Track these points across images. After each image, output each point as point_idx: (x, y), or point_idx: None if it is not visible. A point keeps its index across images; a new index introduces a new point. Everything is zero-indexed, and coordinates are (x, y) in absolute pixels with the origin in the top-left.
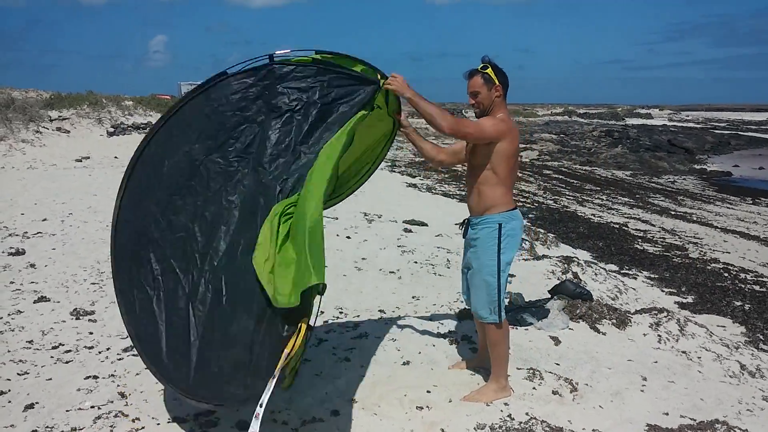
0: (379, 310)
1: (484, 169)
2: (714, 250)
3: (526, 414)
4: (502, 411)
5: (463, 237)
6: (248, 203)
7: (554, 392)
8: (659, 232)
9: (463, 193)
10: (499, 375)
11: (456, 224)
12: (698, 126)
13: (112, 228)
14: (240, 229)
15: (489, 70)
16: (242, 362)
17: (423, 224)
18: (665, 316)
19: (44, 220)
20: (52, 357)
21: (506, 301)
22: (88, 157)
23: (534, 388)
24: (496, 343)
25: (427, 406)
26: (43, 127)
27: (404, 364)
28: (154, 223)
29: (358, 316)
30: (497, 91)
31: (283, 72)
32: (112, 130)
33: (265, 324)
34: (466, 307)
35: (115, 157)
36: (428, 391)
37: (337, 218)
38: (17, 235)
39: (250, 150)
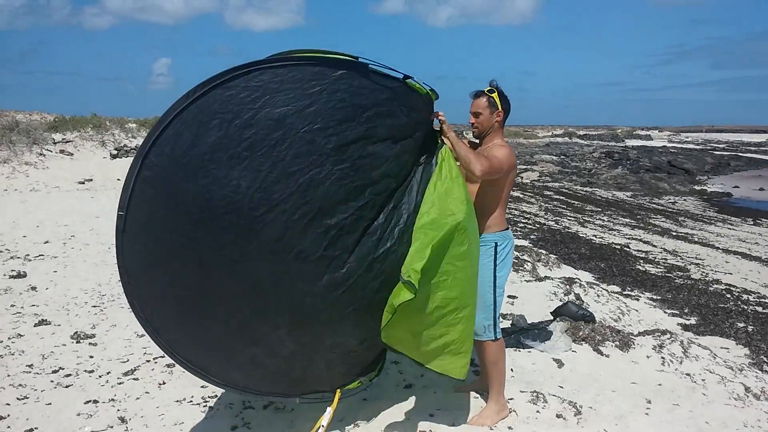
0: None
1: (484, 192)
2: (716, 271)
3: None
4: None
5: None
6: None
7: (558, 416)
8: (661, 252)
9: None
10: (498, 395)
11: None
12: (698, 147)
13: None
14: None
15: (495, 95)
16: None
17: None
18: (668, 338)
19: (46, 242)
20: (52, 381)
21: (509, 323)
22: (91, 180)
23: (538, 411)
24: (493, 362)
25: (431, 430)
26: (47, 149)
27: (406, 387)
28: None
29: None
30: (498, 116)
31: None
32: (115, 152)
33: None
34: None
35: (118, 180)
36: (431, 415)
37: None
38: (19, 257)
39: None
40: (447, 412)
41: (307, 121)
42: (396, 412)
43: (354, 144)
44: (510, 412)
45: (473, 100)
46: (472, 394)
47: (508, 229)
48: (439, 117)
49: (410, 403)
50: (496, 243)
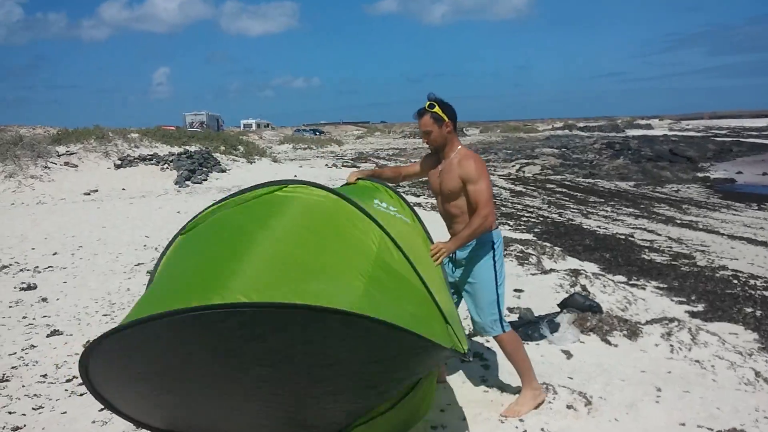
0: None
1: (465, 201)
2: (722, 258)
3: (542, 429)
4: (517, 427)
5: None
6: None
7: (569, 406)
8: (665, 241)
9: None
10: (528, 382)
11: None
12: (699, 134)
13: None
14: None
15: (436, 108)
16: None
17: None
18: (676, 326)
19: (55, 254)
20: (66, 390)
21: (516, 316)
22: (96, 190)
23: (548, 402)
24: (511, 352)
25: (442, 425)
26: (51, 162)
27: None
28: None
29: None
30: (447, 127)
31: None
32: (119, 162)
33: None
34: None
35: (123, 189)
36: (442, 410)
37: None
38: (28, 270)
39: None
40: (457, 407)
41: None
42: None
43: None
44: (546, 395)
45: (418, 120)
46: (482, 388)
47: (497, 227)
48: (439, 259)
49: None
50: (492, 242)
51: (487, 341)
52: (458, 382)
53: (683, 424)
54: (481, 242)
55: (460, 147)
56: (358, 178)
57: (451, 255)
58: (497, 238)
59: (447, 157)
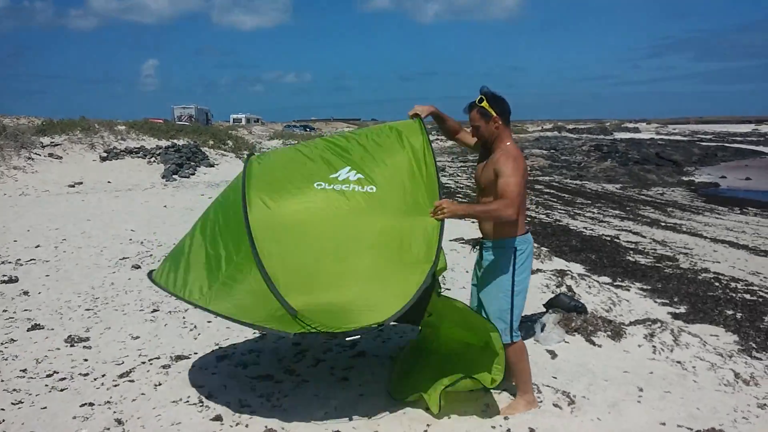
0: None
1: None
2: (704, 260)
3: (526, 428)
4: (501, 425)
5: (477, 256)
6: None
7: (553, 405)
8: (650, 243)
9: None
10: (525, 392)
11: (461, 242)
12: (685, 139)
13: None
14: None
15: (484, 103)
16: None
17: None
18: (659, 327)
19: (37, 246)
20: (46, 385)
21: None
22: (81, 183)
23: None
24: (513, 362)
25: (427, 423)
26: (36, 153)
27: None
28: None
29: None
30: (496, 122)
31: None
32: (105, 154)
33: None
34: None
35: (108, 182)
36: (427, 408)
37: None
38: (10, 262)
39: None
40: (448, 405)
41: None
42: (393, 407)
43: None
44: (539, 404)
45: (468, 114)
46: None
47: (527, 233)
48: (438, 216)
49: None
50: (515, 248)
51: None
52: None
53: (663, 424)
54: (504, 247)
55: (509, 143)
56: (415, 115)
57: (477, 257)
58: (522, 246)
59: (494, 151)
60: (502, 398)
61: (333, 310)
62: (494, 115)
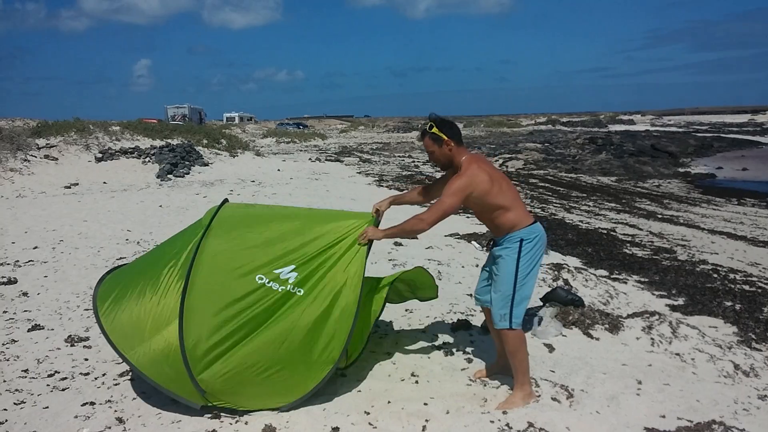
0: (373, 325)
1: (484, 211)
2: (702, 252)
3: (525, 422)
4: (500, 420)
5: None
6: None
7: (552, 399)
8: (647, 235)
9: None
10: (522, 383)
11: (455, 237)
12: (680, 130)
13: None
14: None
15: (434, 129)
16: None
17: (413, 237)
18: (657, 319)
19: (35, 248)
20: (48, 385)
21: None
22: (77, 184)
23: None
24: (512, 351)
25: (426, 419)
26: (31, 155)
27: (400, 377)
28: None
29: None
30: (448, 145)
31: None
32: (100, 155)
33: None
34: (476, 307)
35: (104, 183)
36: (425, 404)
37: None
38: (8, 264)
39: None
40: (441, 400)
41: None
42: (391, 403)
43: None
44: (537, 397)
45: (422, 142)
46: (465, 381)
47: (534, 223)
48: (361, 242)
49: (404, 392)
50: (521, 239)
51: (471, 335)
52: (442, 375)
53: (663, 416)
54: (510, 240)
55: (464, 159)
56: (377, 211)
57: (489, 255)
58: (528, 236)
59: (456, 171)
60: (500, 392)
61: (240, 392)
62: (445, 138)
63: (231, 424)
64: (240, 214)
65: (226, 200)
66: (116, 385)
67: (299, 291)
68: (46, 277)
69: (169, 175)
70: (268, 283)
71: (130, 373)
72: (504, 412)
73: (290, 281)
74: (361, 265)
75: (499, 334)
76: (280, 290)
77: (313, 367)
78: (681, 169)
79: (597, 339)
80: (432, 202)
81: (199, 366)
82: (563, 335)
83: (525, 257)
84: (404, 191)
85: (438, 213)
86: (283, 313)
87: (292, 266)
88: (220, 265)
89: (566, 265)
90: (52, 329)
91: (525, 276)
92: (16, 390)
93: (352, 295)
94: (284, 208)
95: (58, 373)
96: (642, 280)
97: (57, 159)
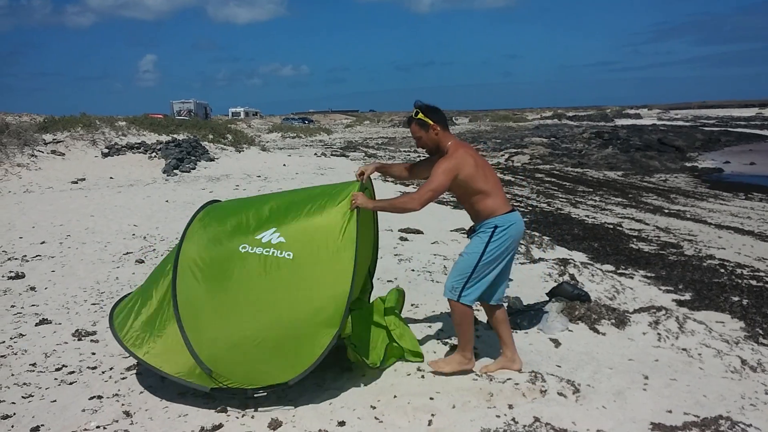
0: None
1: (466, 194)
2: (709, 247)
3: (531, 417)
4: (506, 414)
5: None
6: None
7: (558, 394)
8: (653, 230)
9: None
10: (463, 350)
11: (461, 232)
12: (687, 124)
13: None
14: None
15: (420, 115)
16: None
17: (418, 232)
18: (664, 314)
19: (42, 242)
20: (55, 379)
21: (504, 305)
22: (84, 179)
23: (537, 390)
24: (456, 323)
25: (432, 413)
26: (38, 150)
27: (406, 372)
28: None
29: None
30: (434, 130)
31: None
32: (106, 150)
33: None
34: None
35: (111, 178)
36: (431, 398)
37: None
38: (16, 258)
39: None
40: (447, 395)
41: None
42: (397, 397)
43: None
44: (472, 367)
45: (409, 129)
46: (471, 376)
47: (511, 212)
48: (351, 206)
49: (410, 387)
50: (496, 226)
51: (476, 330)
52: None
53: (670, 412)
54: (485, 225)
55: (450, 143)
56: (361, 174)
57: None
58: (503, 224)
59: (443, 155)
60: (506, 387)
61: (246, 368)
62: (431, 123)
63: (237, 417)
64: (222, 207)
65: (211, 201)
66: (123, 378)
67: (288, 255)
68: (53, 271)
69: (175, 170)
70: (252, 249)
71: (138, 367)
72: (510, 407)
73: (273, 242)
74: (353, 224)
75: (450, 305)
76: (266, 254)
77: (316, 333)
78: (688, 164)
79: (603, 334)
80: (416, 181)
81: (202, 346)
82: (569, 330)
83: (494, 242)
84: (391, 161)
85: (428, 192)
86: (274, 278)
87: (273, 228)
88: (205, 249)
89: (572, 260)
90: (60, 323)
91: (489, 261)
92: (24, 384)
93: (346, 255)
94: (267, 195)
95: (66, 367)
96: (648, 275)
97: (64, 154)
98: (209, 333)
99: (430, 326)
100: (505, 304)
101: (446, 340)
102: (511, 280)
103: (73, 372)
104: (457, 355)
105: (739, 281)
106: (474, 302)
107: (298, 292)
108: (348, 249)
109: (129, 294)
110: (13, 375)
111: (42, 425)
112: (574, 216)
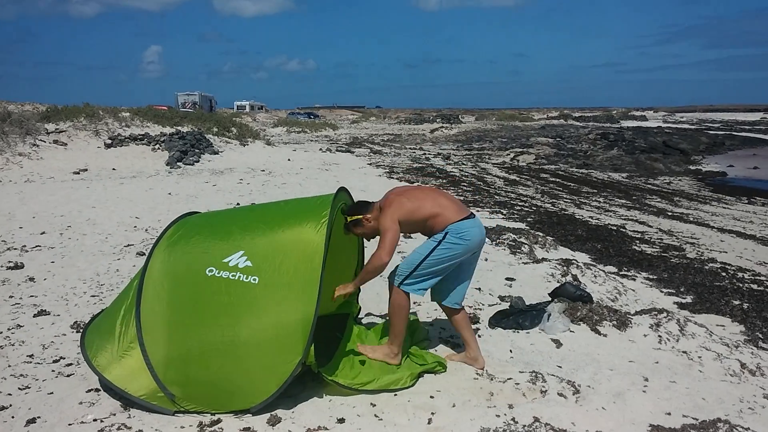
0: (380, 317)
1: (419, 226)
2: (711, 250)
3: (531, 417)
4: (506, 414)
5: None
6: None
7: (558, 394)
8: (656, 233)
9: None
10: (392, 342)
11: None
12: (693, 127)
13: None
14: None
15: (351, 218)
16: None
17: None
18: (665, 317)
19: (43, 233)
20: (53, 371)
21: (507, 305)
22: (86, 170)
23: (537, 390)
24: (392, 312)
25: (432, 412)
26: (40, 140)
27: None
28: None
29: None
30: (367, 219)
31: None
32: (109, 141)
33: None
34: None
35: (113, 169)
36: (431, 396)
37: None
38: (16, 248)
39: None
40: (447, 394)
41: None
42: (397, 395)
43: None
44: (398, 363)
45: (350, 234)
46: (472, 375)
47: (464, 219)
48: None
49: (412, 387)
50: (446, 232)
51: (477, 329)
52: (448, 369)
53: (669, 414)
54: (440, 232)
55: (380, 208)
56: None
57: None
58: (455, 231)
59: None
60: (507, 387)
61: (208, 391)
62: (362, 216)
63: (236, 413)
64: (193, 223)
65: (187, 214)
66: None
67: (254, 279)
68: (53, 262)
69: (178, 163)
70: (219, 273)
71: None
72: (510, 407)
73: (240, 266)
74: (322, 249)
75: (391, 290)
76: (231, 278)
77: (280, 360)
78: (692, 167)
79: (605, 335)
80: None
81: (165, 369)
82: (571, 331)
83: (444, 246)
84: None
85: (388, 242)
86: (240, 303)
87: (241, 252)
88: (171, 270)
89: (575, 260)
90: (58, 315)
91: (436, 263)
92: (21, 375)
93: (313, 279)
94: (239, 210)
95: (64, 359)
96: (651, 277)
97: (66, 144)
98: (172, 355)
99: (431, 325)
100: (507, 305)
101: (448, 339)
102: (513, 279)
103: (70, 364)
104: (385, 347)
105: (740, 285)
106: (418, 294)
107: (262, 318)
108: (315, 273)
109: (103, 311)
110: (9, 366)
111: (38, 417)
112: (578, 217)
